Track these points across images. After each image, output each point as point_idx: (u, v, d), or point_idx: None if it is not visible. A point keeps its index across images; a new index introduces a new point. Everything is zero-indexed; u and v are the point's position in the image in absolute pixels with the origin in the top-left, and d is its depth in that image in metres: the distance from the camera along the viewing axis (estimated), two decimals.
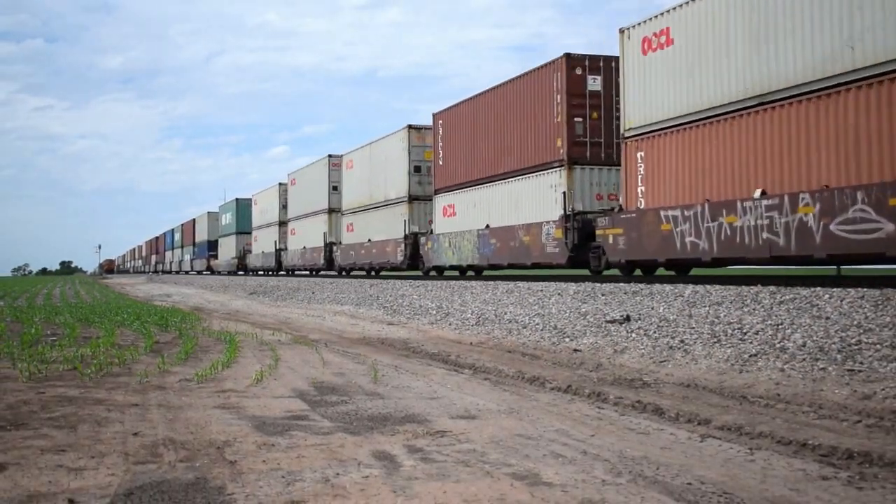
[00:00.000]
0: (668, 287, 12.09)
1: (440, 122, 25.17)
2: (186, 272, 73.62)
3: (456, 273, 27.93)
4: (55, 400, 5.63)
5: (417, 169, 27.17)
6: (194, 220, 71.86)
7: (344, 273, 34.90)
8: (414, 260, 26.50)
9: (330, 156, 35.84)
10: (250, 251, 51.39)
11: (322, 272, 38.57)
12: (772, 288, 10.75)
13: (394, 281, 23.14)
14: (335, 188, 35.28)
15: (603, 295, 12.28)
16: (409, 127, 27.28)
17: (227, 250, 57.52)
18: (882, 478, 3.75)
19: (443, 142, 24.98)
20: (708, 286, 11.84)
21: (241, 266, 53.48)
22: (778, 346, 7.26)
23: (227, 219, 58.09)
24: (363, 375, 7.07)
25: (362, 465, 3.92)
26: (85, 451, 4.15)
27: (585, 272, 18.65)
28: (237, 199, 55.63)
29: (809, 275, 16.08)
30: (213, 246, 62.78)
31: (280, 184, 44.98)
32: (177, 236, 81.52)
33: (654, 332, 8.73)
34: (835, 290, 9.84)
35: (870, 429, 4.72)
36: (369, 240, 30.35)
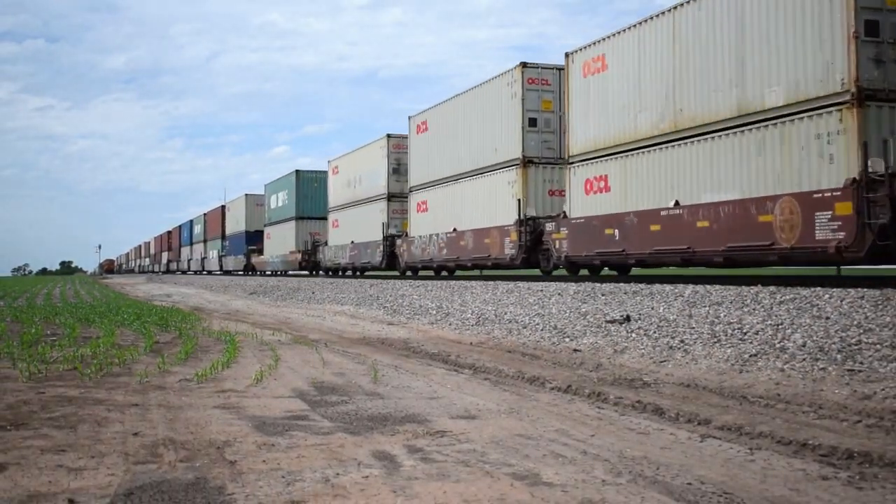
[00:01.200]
0: (668, 287, 12.09)
1: None
2: (210, 272, 60.11)
3: (458, 273, 24.40)
4: (55, 400, 5.63)
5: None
6: (224, 206, 57.25)
7: (552, 268, 19.01)
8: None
9: (524, 64, 19.71)
10: (324, 242, 36.93)
11: (507, 269, 21.61)
12: (772, 288, 10.75)
13: (394, 281, 23.12)
14: (533, 122, 19.48)
15: (603, 295, 12.28)
16: None
17: (281, 242, 42.86)
18: (882, 478, 3.75)
19: None
20: (708, 286, 11.83)
21: (308, 263, 38.65)
22: (778, 346, 7.26)
23: (281, 200, 43.36)
24: (363, 375, 7.07)
25: (362, 465, 3.92)
26: (85, 451, 4.15)
27: None
28: (298, 172, 41.03)
29: (809, 275, 16.08)
30: (254, 238, 48.79)
31: (389, 136, 29.11)
32: (197, 229, 67.41)
33: (654, 332, 8.72)
34: (835, 290, 9.84)
35: (870, 429, 4.72)
36: (676, 202, 14.39)
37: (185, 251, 73.27)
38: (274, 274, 45.42)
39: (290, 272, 43.42)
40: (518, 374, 7.16)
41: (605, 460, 4.03)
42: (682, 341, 8.11)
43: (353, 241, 32.04)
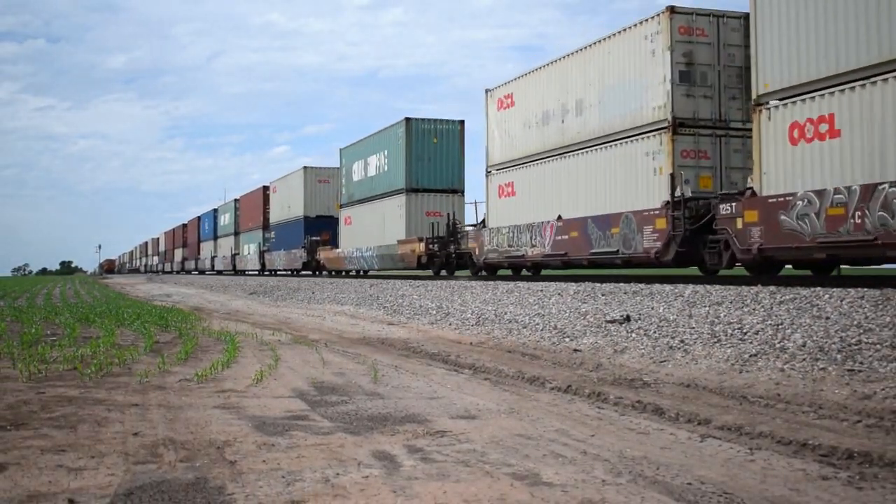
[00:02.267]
0: (668, 287, 12.10)
1: None
2: (243, 272, 48.16)
3: (458, 272, 23.29)
4: (55, 400, 5.63)
5: None
6: (265, 187, 45.22)
7: None
8: None
9: None
10: (479, 224, 23.68)
11: None
12: (772, 288, 10.75)
13: (394, 281, 23.10)
14: None
15: (603, 295, 12.28)
16: None
17: (374, 228, 29.43)
18: (882, 478, 3.75)
19: None
20: (708, 286, 11.84)
21: (439, 257, 25.17)
22: (778, 346, 7.26)
23: (374, 166, 29.98)
24: (363, 375, 7.07)
25: (362, 465, 3.92)
26: (85, 451, 4.15)
27: None
28: (408, 120, 27.19)
29: (809, 275, 16.07)
30: (317, 225, 37.03)
31: (672, 10, 15.22)
32: (224, 219, 55.42)
33: (654, 332, 8.72)
34: (835, 290, 9.84)
35: (870, 429, 4.72)
36: None
37: (207, 247, 61.13)
38: (357, 274, 33.13)
39: (389, 270, 29.56)
40: (518, 374, 7.16)
41: (605, 460, 4.03)
42: (682, 341, 8.11)
43: (560, 217, 18.36)
